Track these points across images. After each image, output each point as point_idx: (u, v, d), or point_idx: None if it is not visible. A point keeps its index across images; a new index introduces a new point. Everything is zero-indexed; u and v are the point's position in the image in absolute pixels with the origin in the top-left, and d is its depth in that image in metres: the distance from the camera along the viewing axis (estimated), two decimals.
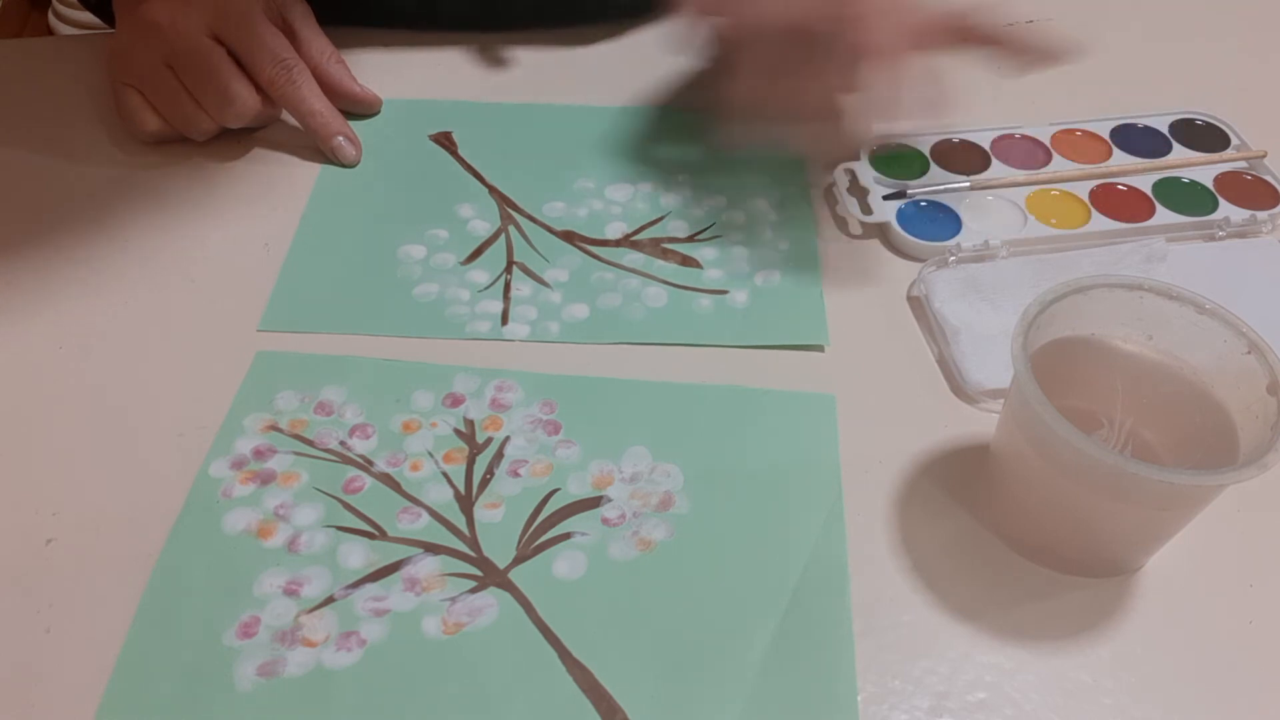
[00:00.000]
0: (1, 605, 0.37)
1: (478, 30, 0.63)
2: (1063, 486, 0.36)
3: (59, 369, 0.45)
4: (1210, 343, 0.37)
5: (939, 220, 0.51)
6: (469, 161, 0.55)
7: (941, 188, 0.52)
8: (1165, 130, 0.56)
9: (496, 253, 0.50)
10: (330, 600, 0.37)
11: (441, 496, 0.41)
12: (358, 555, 0.39)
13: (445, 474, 0.41)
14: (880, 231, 0.51)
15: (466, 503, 0.40)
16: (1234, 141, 0.55)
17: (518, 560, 0.39)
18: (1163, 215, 0.51)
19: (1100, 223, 0.51)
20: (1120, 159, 0.54)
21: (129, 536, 0.39)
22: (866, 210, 0.52)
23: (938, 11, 0.49)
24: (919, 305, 0.48)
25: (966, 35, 0.49)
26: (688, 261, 0.50)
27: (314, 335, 0.46)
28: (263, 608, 0.37)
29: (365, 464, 0.41)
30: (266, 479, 0.41)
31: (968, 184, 0.53)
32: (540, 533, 0.39)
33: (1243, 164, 0.54)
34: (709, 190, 0.53)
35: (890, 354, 0.46)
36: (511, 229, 0.51)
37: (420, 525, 0.40)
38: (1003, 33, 0.48)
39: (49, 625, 0.37)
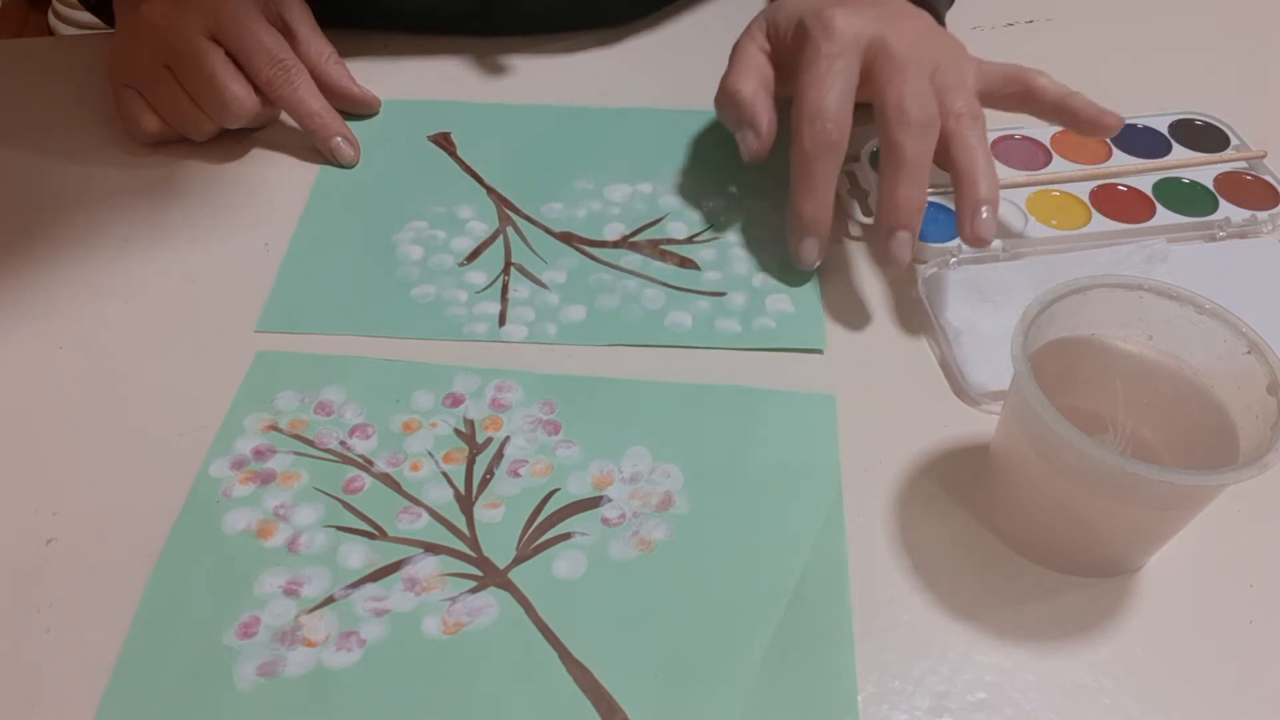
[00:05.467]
0: (1, 605, 0.37)
1: (476, 32, 0.63)
2: (1063, 486, 0.36)
3: (59, 369, 0.45)
4: (1210, 343, 0.37)
5: (940, 222, 0.51)
6: (467, 162, 0.55)
7: (942, 190, 0.52)
8: (1165, 131, 0.56)
9: (494, 254, 0.50)
10: (330, 600, 0.37)
11: (441, 496, 0.40)
12: (358, 555, 0.39)
13: (445, 474, 0.41)
14: None
15: (466, 503, 0.40)
16: (1234, 142, 0.55)
17: (518, 560, 0.39)
18: (1163, 216, 0.51)
19: (1101, 224, 0.51)
20: (1120, 160, 0.54)
21: (129, 536, 0.39)
22: (867, 212, 0.52)
23: (1000, 71, 0.49)
24: (920, 307, 0.48)
25: (1029, 100, 0.49)
26: (686, 263, 0.50)
27: (314, 335, 0.46)
28: (263, 608, 0.37)
29: (365, 464, 0.41)
30: (266, 479, 0.41)
31: None
32: (540, 533, 0.39)
33: (1243, 164, 0.54)
34: (708, 192, 0.53)
35: (891, 355, 0.46)
36: (510, 230, 0.51)
37: (420, 525, 0.40)
38: (1066, 100, 0.48)
39: (49, 625, 0.37)
